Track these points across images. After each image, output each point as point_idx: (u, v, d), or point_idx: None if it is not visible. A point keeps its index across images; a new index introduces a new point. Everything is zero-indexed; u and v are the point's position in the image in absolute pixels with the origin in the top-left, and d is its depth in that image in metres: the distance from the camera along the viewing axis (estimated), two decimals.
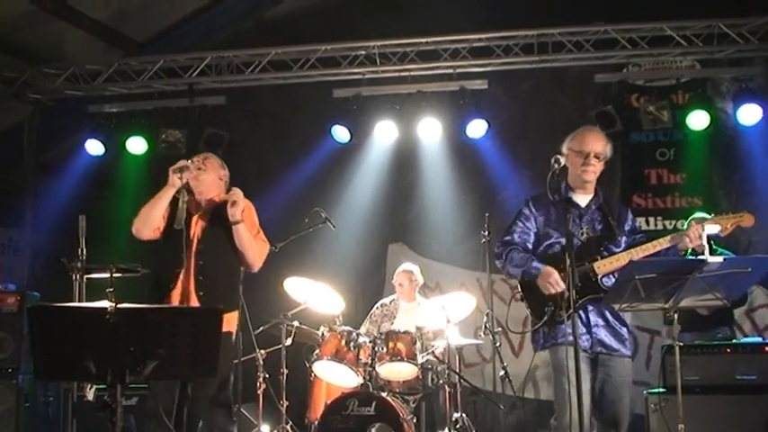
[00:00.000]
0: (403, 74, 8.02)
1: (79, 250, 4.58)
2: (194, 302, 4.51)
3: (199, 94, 8.27)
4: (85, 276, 4.65)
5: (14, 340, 6.70)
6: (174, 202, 4.64)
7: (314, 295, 6.40)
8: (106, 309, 3.25)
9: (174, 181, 4.59)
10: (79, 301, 4.63)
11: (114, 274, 4.46)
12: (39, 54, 8.39)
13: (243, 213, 4.65)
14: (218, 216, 4.69)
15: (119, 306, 3.26)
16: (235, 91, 8.33)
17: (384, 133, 8.15)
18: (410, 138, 8.21)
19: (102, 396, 3.38)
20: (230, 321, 4.65)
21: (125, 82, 8.30)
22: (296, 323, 6.30)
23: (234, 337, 4.76)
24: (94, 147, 8.30)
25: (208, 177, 4.81)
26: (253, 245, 4.69)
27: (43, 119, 8.67)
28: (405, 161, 8.44)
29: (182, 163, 4.64)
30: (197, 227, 4.70)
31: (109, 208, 7.66)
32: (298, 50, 8.00)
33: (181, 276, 4.55)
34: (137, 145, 8.31)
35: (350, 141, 8.13)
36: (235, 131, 8.30)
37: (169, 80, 8.24)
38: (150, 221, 4.64)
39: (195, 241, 4.66)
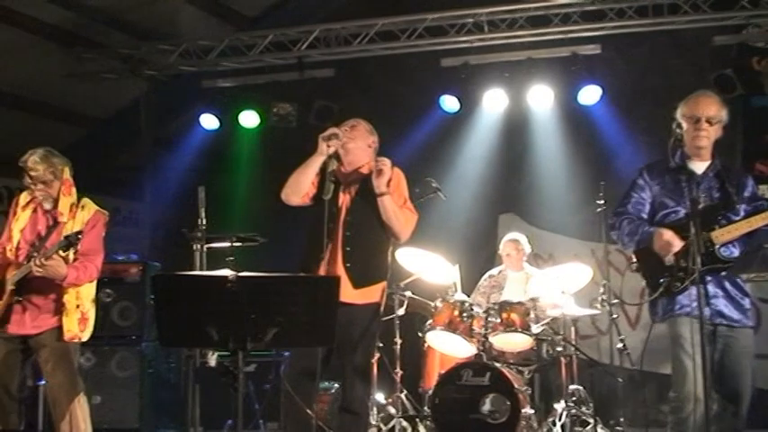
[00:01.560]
0: (512, 40, 7.86)
1: (199, 221, 4.70)
2: (341, 273, 4.45)
3: (308, 66, 8.32)
4: (206, 246, 4.76)
5: (138, 308, 6.96)
6: (324, 170, 4.55)
7: (426, 266, 6.39)
8: (227, 277, 3.30)
9: (323, 149, 4.49)
10: (200, 270, 4.76)
11: (234, 244, 4.54)
12: (153, 31, 8.61)
13: (390, 184, 4.57)
14: (366, 186, 4.60)
15: (240, 274, 3.31)
16: (343, 63, 8.35)
17: (493, 102, 8.04)
18: (520, 106, 8.07)
19: (224, 362, 3.44)
20: (377, 292, 4.59)
21: (237, 57, 8.41)
22: (408, 293, 6.31)
23: (381, 308, 4.67)
24: (209, 121, 8.50)
25: (356, 146, 4.69)
26: (399, 216, 4.57)
27: (159, 95, 8.92)
28: (515, 130, 8.30)
29: (331, 130, 4.53)
30: (345, 197, 4.63)
31: (224, 181, 7.87)
32: (405, 20, 7.94)
33: (329, 247, 4.48)
34: (249, 119, 8.45)
35: (459, 111, 8.06)
36: (344, 103, 8.32)
37: (279, 54, 8.32)
38: (299, 188, 4.59)
39: (343, 211, 4.58)
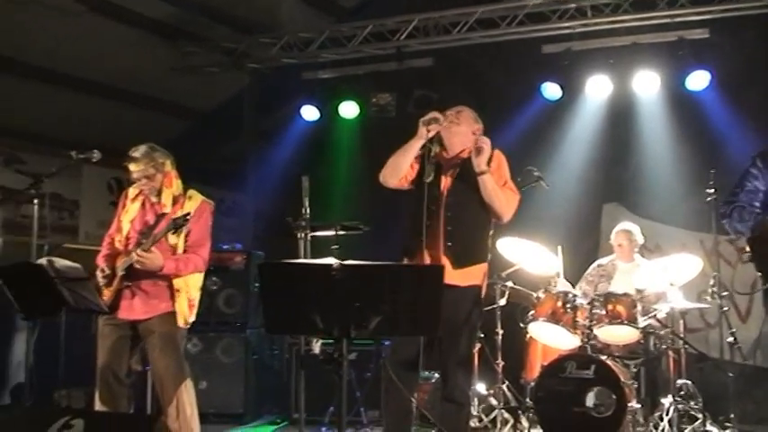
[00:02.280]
0: (616, 26, 7.65)
1: (303, 210, 4.73)
2: (442, 253, 4.46)
3: (407, 56, 8.29)
4: (309, 235, 4.80)
5: (242, 296, 7.10)
6: (425, 155, 4.56)
7: (527, 256, 6.30)
8: (332, 265, 3.30)
9: (422, 133, 4.50)
10: (305, 259, 4.80)
11: (339, 232, 4.56)
12: (255, 24, 8.74)
13: (491, 163, 4.56)
14: (467, 169, 4.60)
15: (344, 263, 3.31)
16: (442, 52, 8.28)
17: (597, 88, 7.84)
18: (625, 92, 7.84)
19: (328, 350, 3.45)
20: (478, 274, 4.59)
21: (336, 48, 8.45)
22: (510, 283, 6.24)
23: (482, 291, 4.68)
24: (310, 112, 8.57)
25: (460, 130, 4.69)
26: (499, 195, 4.56)
27: (260, 87, 9.07)
28: (620, 117, 8.07)
29: (431, 115, 4.53)
30: (446, 180, 4.63)
31: (324, 171, 7.90)
32: (505, 7, 7.82)
33: (430, 227, 4.49)
34: (349, 109, 8.48)
35: (561, 98, 7.89)
36: (443, 92, 8.25)
37: (378, 44, 8.32)
38: (397, 170, 4.60)
39: (445, 194, 4.59)
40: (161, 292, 4.76)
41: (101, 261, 4.87)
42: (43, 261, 4.43)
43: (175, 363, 4.73)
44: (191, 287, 4.83)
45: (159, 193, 4.87)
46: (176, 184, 4.92)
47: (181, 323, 4.75)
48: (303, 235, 4.89)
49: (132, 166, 4.81)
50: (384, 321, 3.36)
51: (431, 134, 4.51)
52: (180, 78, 8.82)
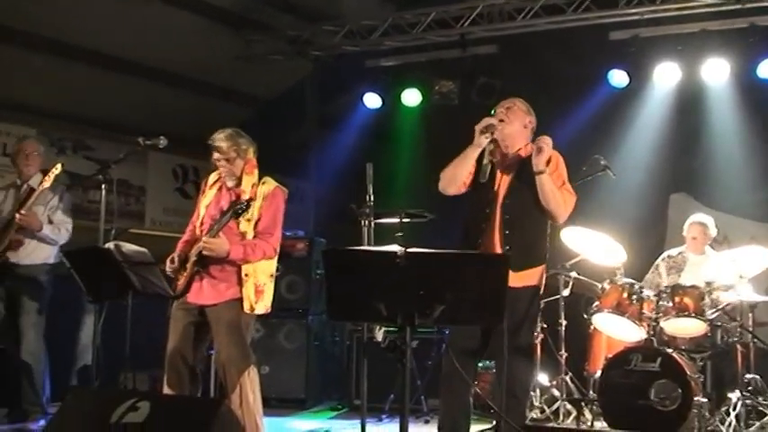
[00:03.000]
0: (685, 12, 7.44)
1: (367, 197, 4.72)
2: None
3: (470, 43, 8.19)
4: (373, 222, 4.79)
5: (304, 283, 7.13)
6: (481, 154, 4.48)
7: (592, 246, 6.20)
8: (396, 252, 3.28)
9: (481, 141, 4.43)
10: (368, 246, 4.78)
11: (403, 220, 4.53)
12: (318, 12, 8.74)
13: (549, 164, 4.45)
14: (524, 169, 4.51)
15: (408, 250, 3.28)
16: (507, 39, 8.17)
17: (665, 76, 7.66)
18: (694, 80, 7.65)
19: (390, 337, 3.43)
20: (535, 276, 4.52)
21: (399, 35, 8.39)
22: (573, 274, 6.16)
23: (540, 291, 4.61)
24: (372, 100, 8.57)
25: (512, 129, 4.59)
26: (556, 196, 4.45)
27: (324, 75, 9.07)
28: (688, 105, 7.88)
29: (486, 121, 4.45)
30: (503, 180, 4.55)
31: (386, 158, 7.88)
32: None
33: (487, 231, 4.43)
34: (411, 97, 8.45)
35: (628, 86, 7.74)
36: (507, 80, 8.14)
37: (441, 31, 8.23)
38: (456, 180, 4.55)
39: (501, 195, 4.51)
40: (229, 278, 4.76)
41: (179, 247, 4.90)
42: (111, 245, 4.50)
43: (239, 349, 4.71)
44: (258, 273, 4.79)
45: (239, 180, 4.87)
46: (256, 174, 4.93)
47: (247, 309, 4.75)
48: (367, 222, 4.87)
49: (216, 147, 4.84)
50: (448, 310, 3.33)
51: (489, 140, 4.44)
52: (244, 66, 8.88)
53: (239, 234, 4.74)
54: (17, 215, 5.64)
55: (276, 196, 4.87)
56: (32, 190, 5.80)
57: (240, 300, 4.72)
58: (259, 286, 4.78)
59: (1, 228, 5.81)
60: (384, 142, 8.80)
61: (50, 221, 5.87)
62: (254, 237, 4.77)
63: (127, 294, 4.62)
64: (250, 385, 4.72)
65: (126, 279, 4.53)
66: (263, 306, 4.82)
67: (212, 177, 5.03)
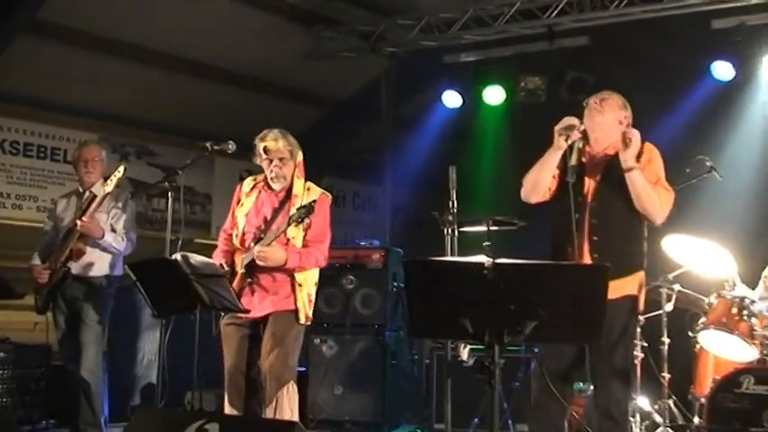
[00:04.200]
0: None
1: (450, 203, 4.69)
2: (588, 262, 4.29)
3: (559, 35, 8.08)
4: (457, 230, 4.76)
5: (380, 296, 7.10)
6: (566, 152, 4.36)
7: (697, 255, 6.02)
8: (484, 263, 3.22)
9: (560, 143, 4.33)
10: (452, 255, 4.75)
11: (491, 228, 4.48)
12: (393, 6, 8.74)
13: (641, 158, 4.34)
14: (613, 167, 4.39)
15: (497, 261, 3.22)
16: (599, 29, 8.02)
17: None
18: None
19: (479, 357, 3.38)
20: (632, 284, 4.40)
21: (480, 28, 8.30)
22: (677, 287, 5.98)
23: (639, 302, 4.50)
24: (452, 99, 8.53)
25: (604, 120, 4.47)
26: (650, 194, 4.32)
27: (399, 73, 9.06)
28: None
29: (567, 122, 4.34)
30: (591, 182, 4.44)
31: (468, 162, 7.80)
32: None
33: (575, 238, 4.31)
34: (494, 94, 8.39)
35: (733, 79, 7.55)
36: (599, 75, 8.03)
37: (527, 23, 8.12)
38: (539, 187, 4.46)
39: (589, 197, 4.41)
40: (280, 288, 4.83)
41: (217, 258, 4.95)
42: (177, 256, 4.54)
43: (284, 361, 4.76)
44: (309, 282, 4.90)
45: (289, 184, 4.92)
46: (303, 177, 4.99)
47: (302, 320, 4.82)
48: (450, 230, 4.84)
49: (271, 144, 4.88)
50: (541, 326, 3.28)
51: (569, 142, 4.33)
52: (314, 65, 8.95)
53: (287, 242, 4.79)
54: (78, 222, 5.74)
55: (323, 203, 4.95)
56: (95, 197, 5.90)
57: (294, 311, 4.80)
58: (311, 296, 4.90)
59: (63, 237, 5.93)
60: (465, 144, 8.76)
61: (113, 230, 5.96)
62: (305, 245, 4.81)
63: (194, 309, 4.66)
64: (288, 401, 4.76)
65: (194, 292, 4.57)
66: (308, 316, 4.92)
67: (248, 184, 5.10)
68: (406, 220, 8.73)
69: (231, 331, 4.87)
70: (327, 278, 7.07)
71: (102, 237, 5.85)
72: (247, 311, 4.74)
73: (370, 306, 7.13)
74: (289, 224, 4.68)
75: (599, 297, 3.30)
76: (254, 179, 5.07)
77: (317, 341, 7.07)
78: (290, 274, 4.82)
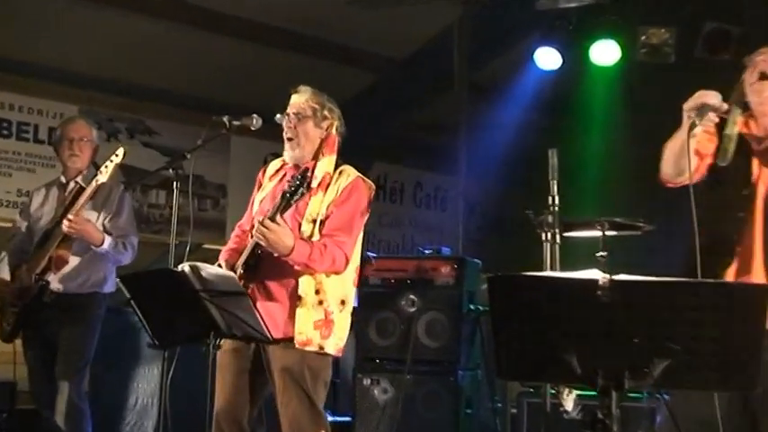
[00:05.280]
0: None
1: (550, 198, 4.64)
2: (761, 280, 4.17)
3: None
4: (560, 235, 4.72)
5: (451, 323, 7.06)
6: (720, 128, 4.25)
7: None
8: (597, 281, 3.19)
9: (685, 127, 4.07)
10: (552, 269, 4.70)
11: (607, 232, 4.42)
12: None
13: None
14: None
15: (616, 278, 3.19)
16: None
17: None
18: None
19: (588, 406, 3.35)
20: None
21: None
22: None
23: None
24: (548, 58, 8.49)
25: None
26: None
27: (477, 24, 9.04)
28: None
29: (701, 98, 4.05)
30: (762, 170, 4.29)
31: (572, 143, 7.80)
32: None
33: (741, 244, 4.22)
34: (605, 52, 8.34)
35: None
36: (748, 24, 7.95)
37: None
38: (677, 166, 4.38)
39: (761, 190, 4.26)
40: (294, 300, 4.75)
41: (221, 257, 4.96)
42: (185, 267, 4.54)
43: (302, 407, 4.70)
44: (327, 295, 4.74)
45: (314, 161, 4.87)
46: (333, 159, 4.92)
47: (330, 348, 4.73)
48: (550, 235, 4.80)
49: (294, 97, 4.89)
50: (674, 367, 3.24)
51: (698, 129, 4.12)
52: (364, 16, 8.95)
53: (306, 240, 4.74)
54: (65, 222, 5.71)
55: (356, 190, 4.82)
56: (82, 189, 5.89)
57: (315, 334, 4.71)
58: (329, 314, 4.75)
59: (39, 242, 5.95)
60: (567, 119, 8.71)
61: (108, 233, 5.99)
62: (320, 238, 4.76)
63: (207, 336, 4.66)
64: None
65: (206, 315, 4.57)
66: (335, 345, 4.80)
67: (273, 165, 5.09)
68: (486, 220, 8.71)
69: (227, 360, 4.82)
70: (380, 298, 7.09)
71: (102, 244, 5.87)
72: (282, 341, 4.72)
73: (437, 336, 7.10)
74: (283, 200, 4.58)
75: (758, 329, 3.23)
76: (282, 160, 5.06)
77: (366, 382, 7.07)
78: (296, 281, 4.76)
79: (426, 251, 7.40)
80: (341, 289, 4.86)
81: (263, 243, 4.61)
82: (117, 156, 5.75)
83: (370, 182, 4.97)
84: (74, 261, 5.96)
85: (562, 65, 8.51)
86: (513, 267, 4.31)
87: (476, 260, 7.33)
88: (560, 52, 8.48)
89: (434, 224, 9.49)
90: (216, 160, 9.56)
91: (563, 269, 4.71)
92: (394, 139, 10.25)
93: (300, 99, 4.92)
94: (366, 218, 4.95)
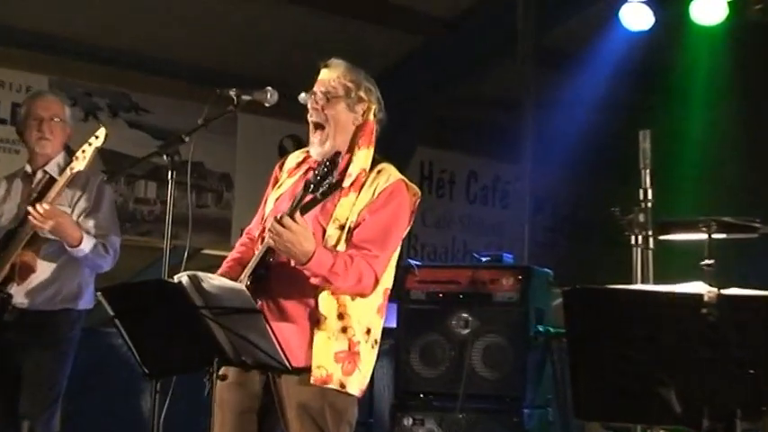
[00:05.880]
0: None
1: (641, 191, 4.63)
2: None
3: None
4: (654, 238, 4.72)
5: (514, 350, 7.07)
6: None
7: None
8: (702, 296, 3.22)
9: None
10: (644, 281, 4.68)
11: (713, 235, 4.41)
12: None
13: None
14: None
15: (724, 292, 3.21)
16: None
17: None
18: None
19: None
20: None
21: None
22: None
23: None
24: (636, 16, 8.48)
25: None
26: None
27: None
28: None
29: None
30: None
31: (665, 123, 7.78)
32: None
33: None
34: (708, 9, 8.31)
35: None
36: None
37: None
38: None
39: None
40: (303, 318, 4.74)
41: (221, 270, 4.90)
42: (182, 278, 4.55)
43: None
44: (351, 319, 4.63)
45: (350, 154, 4.84)
46: (371, 151, 4.88)
47: (352, 388, 4.69)
48: (641, 239, 4.79)
49: (323, 72, 4.86)
50: None
51: None
52: None
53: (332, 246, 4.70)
54: (33, 212, 5.66)
55: (397, 195, 4.74)
56: (52, 180, 5.90)
57: (336, 370, 4.68)
58: (354, 345, 4.69)
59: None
60: (659, 93, 8.69)
61: (86, 232, 5.97)
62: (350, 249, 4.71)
63: (208, 365, 4.67)
64: None
65: (208, 338, 4.59)
66: (359, 383, 4.73)
67: (294, 158, 5.05)
68: (558, 220, 8.69)
69: (229, 396, 4.83)
70: (425, 317, 7.11)
71: (80, 244, 5.87)
72: (297, 372, 4.71)
73: (497, 365, 7.11)
74: (305, 192, 4.56)
75: None
76: (306, 151, 5.05)
77: (407, 422, 7.09)
78: (332, 301, 4.72)
79: (483, 258, 7.41)
80: (367, 315, 4.82)
81: (278, 246, 4.55)
82: (96, 138, 5.76)
83: (415, 187, 4.88)
84: (42, 269, 5.94)
85: (654, 25, 8.49)
86: (593, 278, 4.31)
87: (545, 269, 7.34)
88: (652, 9, 8.46)
89: (493, 224, 9.48)
90: (220, 144, 9.58)
91: (657, 281, 4.70)
92: (442, 119, 10.24)
93: (331, 75, 4.87)
94: (405, 232, 4.90)
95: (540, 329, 7.09)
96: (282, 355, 4.49)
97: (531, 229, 8.85)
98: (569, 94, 9.11)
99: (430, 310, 6.84)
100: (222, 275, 4.77)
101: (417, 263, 7.36)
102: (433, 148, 10.27)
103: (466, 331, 7.11)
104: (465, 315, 7.11)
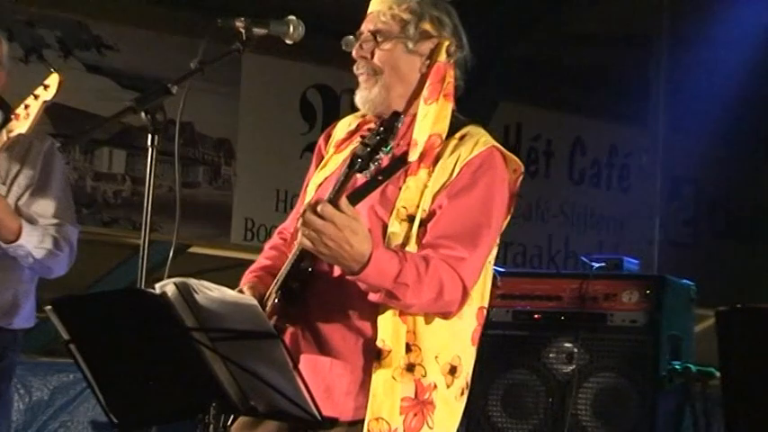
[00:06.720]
0: None
1: None
2: None
3: None
4: None
5: (640, 395, 7.12)
6: None
7: None
8: None
9: None
10: None
11: None
12: None
13: None
14: None
15: None
16: None
17: None
18: None
19: None
20: None
21: None
22: None
23: None
24: None
25: None
26: None
27: None
28: None
29: None
30: None
31: None
32: None
33: None
34: None
35: None
36: None
37: None
38: None
39: None
40: (354, 351, 4.77)
41: (244, 281, 4.99)
42: (168, 287, 4.58)
43: None
44: (426, 351, 4.67)
45: (407, 110, 4.83)
46: (449, 108, 4.85)
47: None
48: None
49: (373, 3, 4.86)
50: None
51: None
52: None
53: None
54: None
55: (489, 168, 4.74)
56: None
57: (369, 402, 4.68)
58: (426, 389, 4.70)
59: None
60: None
61: (28, 220, 6.04)
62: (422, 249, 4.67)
63: (203, 411, 4.71)
64: None
65: (202, 373, 4.62)
66: None
67: (344, 124, 5.11)
68: (701, 209, 8.75)
69: None
70: (510, 347, 7.17)
71: (17, 237, 5.95)
72: (329, 425, 4.73)
73: (613, 418, 7.17)
74: (352, 169, 4.45)
75: None
76: (362, 116, 5.02)
77: None
78: (398, 325, 4.65)
79: (594, 264, 7.42)
80: (450, 346, 4.78)
81: (317, 248, 4.41)
82: (46, 89, 5.76)
83: (515, 159, 4.86)
84: None
85: None
86: (758, 294, 4.35)
87: (685, 281, 7.35)
88: None
89: (608, 215, 9.51)
90: (217, 98, 9.60)
91: None
92: (534, 66, 10.33)
93: (383, 6, 4.88)
94: (505, 223, 4.87)
95: (677, 366, 7.10)
96: (310, 402, 4.49)
97: (664, 222, 8.88)
98: (720, 30, 9.10)
99: (517, 336, 6.91)
100: (250, 288, 4.85)
101: (500, 269, 7.33)
102: (521, 106, 10.29)
103: (569, 368, 7.14)
104: (568, 345, 7.15)
